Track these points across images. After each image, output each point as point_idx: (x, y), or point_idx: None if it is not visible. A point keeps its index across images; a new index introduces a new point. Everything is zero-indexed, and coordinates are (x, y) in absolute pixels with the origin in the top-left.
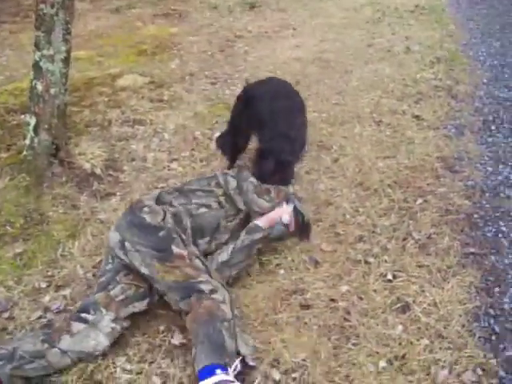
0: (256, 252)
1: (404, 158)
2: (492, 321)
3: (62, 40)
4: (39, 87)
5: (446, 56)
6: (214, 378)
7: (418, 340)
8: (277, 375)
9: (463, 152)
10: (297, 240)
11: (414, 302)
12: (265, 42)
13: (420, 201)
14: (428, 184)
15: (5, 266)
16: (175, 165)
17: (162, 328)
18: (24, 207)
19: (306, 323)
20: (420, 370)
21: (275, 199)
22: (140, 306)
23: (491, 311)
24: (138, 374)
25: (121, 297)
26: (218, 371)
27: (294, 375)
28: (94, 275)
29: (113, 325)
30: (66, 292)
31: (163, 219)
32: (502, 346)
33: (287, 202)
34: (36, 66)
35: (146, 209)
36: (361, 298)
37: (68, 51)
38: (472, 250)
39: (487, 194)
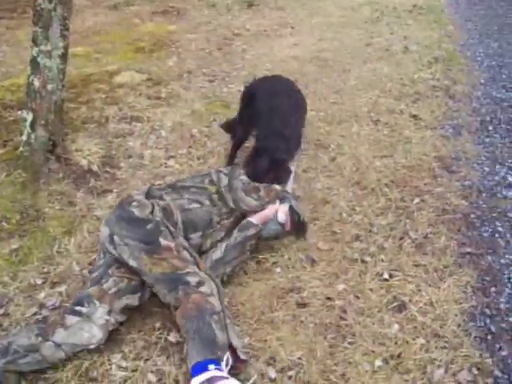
0: (250, 248)
1: (401, 157)
2: (488, 320)
3: (59, 36)
4: (36, 83)
5: (443, 56)
6: (207, 374)
7: (413, 339)
8: (273, 373)
9: (460, 152)
10: (293, 238)
11: (410, 301)
12: (263, 40)
13: (417, 200)
14: (425, 184)
15: (0, 262)
16: (172, 162)
17: (157, 325)
18: (20, 203)
19: (302, 321)
20: (416, 369)
21: (264, 198)
22: (133, 298)
23: (487, 311)
24: (133, 371)
25: (114, 289)
26: (211, 367)
27: (289, 373)
28: (89, 272)
29: (107, 317)
30: (62, 288)
31: (151, 212)
32: (497, 345)
33: (283, 201)
34: (33, 62)
35: (134, 203)
36: (357, 297)
37: (66, 47)
38: (468, 249)
39: (484, 194)
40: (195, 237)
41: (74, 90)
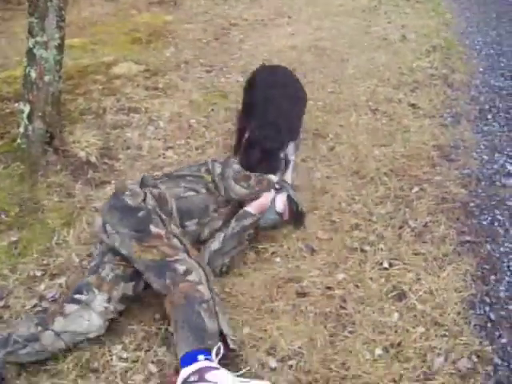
0: (248, 238)
1: (400, 146)
2: (487, 308)
3: (55, 27)
4: (33, 74)
5: (442, 45)
6: (196, 365)
7: (413, 328)
8: (273, 363)
9: (459, 141)
10: (293, 228)
11: (409, 289)
12: (260, 30)
13: (416, 189)
14: (424, 172)
15: (0, 255)
16: (170, 153)
17: (157, 316)
18: (18, 196)
19: (302, 311)
20: (416, 358)
21: (255, 187)
22: (128, 287)
23: (487, 299)
24: (134, 361)
25: (111, 275)
26: (201, 357)
27: (290, 363)
28: (89, 263)
29: (106, 304)
30: (62, 280)
31: (144, 200)
32: (497, 333)
33: (281, 191)
34: (30, 53)
35: (127, 192)
36: (357, 286)
37: (62, 38)
38: (468, 238)
39: (483, 183)
40: (191, 224)
41: (70, 82)
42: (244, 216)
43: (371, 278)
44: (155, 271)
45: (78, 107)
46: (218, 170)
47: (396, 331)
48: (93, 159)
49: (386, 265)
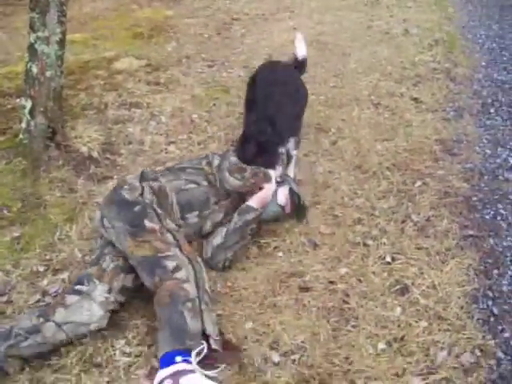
0: (251, 233)
1: (402, 140)
2: (490, 303)
3: (57, 22)
4: (34, 70)
5: (444, 39)
6: (173, 368)
7: (416, 322)
8: (276, 357)
9: (462, 135)
10: (295, 222)
11: (412, 284)
12: (262, 24)
13: (419, 183)
14: (426, 167)
15: (2, 250)
16: (172, 148)
17: None
18: (21, 191)
19: (304, 305)
20: (419, 352)
21: (249, 179)
22: (128, 279)
23: (490, 293)
24: (137, 356)
25: (111, 266)
26: (178, 358)
27: (293, 357)
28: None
29: (106, 295)
30: (64, 275)
31: (141, 194)
32: (500, 327)
33: (283, 184)
34: (31, 49)
35: (126, 186)
36: (360, 281)
37: (63, 33)
38: (471, 232)
39: (486, 177)
40: (191, 216)
41: (72, 77)
42: (246, 210)
43: (374, 273)
44: (146, 269)
45: (80, 102)
46: (217, 162)
47: (399, 325)
48: (95, 154)
49: (388, 259)
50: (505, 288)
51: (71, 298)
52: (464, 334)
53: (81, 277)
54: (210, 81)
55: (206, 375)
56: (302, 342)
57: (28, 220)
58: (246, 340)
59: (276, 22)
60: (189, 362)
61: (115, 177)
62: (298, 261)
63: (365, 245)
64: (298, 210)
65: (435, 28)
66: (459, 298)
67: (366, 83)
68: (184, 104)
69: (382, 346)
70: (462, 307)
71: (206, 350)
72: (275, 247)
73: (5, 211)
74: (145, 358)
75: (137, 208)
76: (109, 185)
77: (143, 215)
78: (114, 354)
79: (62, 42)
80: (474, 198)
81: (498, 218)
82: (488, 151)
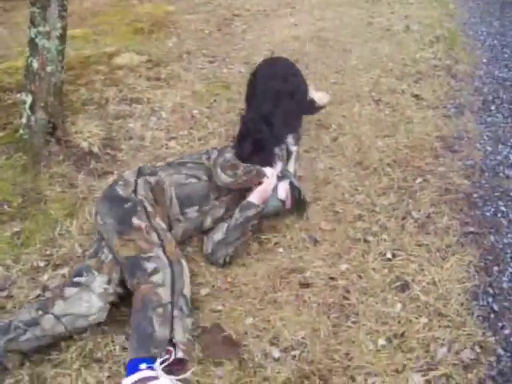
0: (251, 229)
1: (403, 137)
2: (491, 299)
3: (57, 16)
4: (35, 64)
5: (445, 35)
6: (137, 375)
7: (416, 318)
8: (276, 353)
9: (462, 131)
10: (296, 218)
11: (413, 280)
12: (263, 20)
13: (419, 180)
14: (427, 163)
15: (3, 245)
16: (173, 143)
17: None
18: (21, 186)
19: (305, 301)
20: (419, 348)
21: (242, 176)
22: None
23: (490, 290)
24: None
25: (110, 257)
26: (143, 366)
27: (293, 353)
28: None
29: (105, 286)
30: (65, 271)
31: (134, 191)
32: (500, 324)
33: (283, 179)
34: (32, 43)
35: (121, 182)
36: (360, 277)
37: (64, 28)
38: (471, 229)
39: (486, 174)
40: (191, 211)
41: (72, 72)
42: (248, 207)
43: (374, 269)
44: (128, 269)
45: (81, 98)
46: (213, 157)
47: (399, 322)
48: (95, 150)
49: (389, 255)
50: (505, 285)
51: (70, 290)
52: (464, 331)
53: (79, 268)
54: (210, 77)
55: (171, 380)
56: (303, 337)
57: (28, 215)
58: (246, 336)
59: (277, 18)
60: (153, 370)
61: (116, 172)
62: (299, 257)
63: (365, 241)
64: (298, 204)
65: (436, 25)
66: (459, 294)
67: (366, 80)
68: (185, 100)
69: (382, 342)
70: (462, 304)
71: (172, 359)
72: (276, 243)
73: (5, 206)
74: None
75: (127, 205)
76: (109, 180)
77: (132, 212)
78: (114, 349)
79: (62, 37)
80: (475, 195)
81: (499, 214)
82: (489, 148)
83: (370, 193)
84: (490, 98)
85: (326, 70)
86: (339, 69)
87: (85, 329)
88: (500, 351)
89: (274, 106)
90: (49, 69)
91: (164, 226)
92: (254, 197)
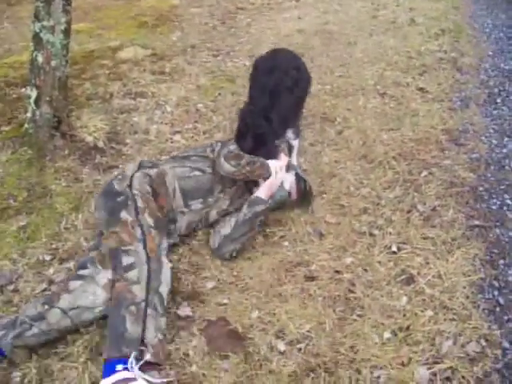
0: (259, 224)
1: (408, 130)
2: (496, 293)
3: (62, 11)
4: (40, 59)
5: (450, 28)
6: (114, 377)
7: (422, 311)
8: (282, 346)
9: (468, 125)
10: (301, 212)
11: (418, 273)
12: (267, 13)
13: (425, 173)
14: (433, 156)
15: (9, 239)
16: (178, 137)
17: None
18: (26, 180)
19: (310, 295)
20: (424, 341)
21: (245, 166)
22: None
23: (495, 283)
24: None
25: None
26: (119, 367)
27: (298, 346)
28: None
29: (110, 277)
30: (70, 264)
31: (129, 185)
32: (506, 317)
33: (289, 170)
34: (36, 38)
35: (119, 176)
36: (365, 270)
37: (68, 22)
38: (477, 222)
39: (492, 167)
40: (195, 203)
41: (77, 67)
42: (256, 202)
43: (380, 262)
44: (112, 263)
45: (85, 92)
46: (217, 149)
47: (404, 315)
48: (100, 144)
49: (394, 249)
50: (511, 278)
51: (75, 284)
52: (470, 324)
53: (83, 261)
54: (215, 70)
55: (149, 381)
56: (308, 331)
57: (34, 209)
58: (251, 329)
59: (281, 11)
60: (130, 370)
61: (120, 166)
62: (304, 250)
63: (370, 234)
64: (304, 195)
65: (442, 17)
66: (465, 287)
67: (371, 73)
68: (189, 93)
69: (387, 335)
70: (467, 297)
71: (143, 359)
72: (281, 236)
73: (11, 200)
74: None
75: (120, 198)
76: (114, 174)
77: (122, 206)
78: None
79: (67, 32)
80: (480, 188)
81: (504, 208)
82: (494, 141)
83: (375, 186)
84: (496, 90)
85: (330, 63)
86: (344, 62)
87: (91, 322)
88: (506, 344)
89: (273, 101)
90: (53, 63)
91: (152, 222)
92: (263, 192)
